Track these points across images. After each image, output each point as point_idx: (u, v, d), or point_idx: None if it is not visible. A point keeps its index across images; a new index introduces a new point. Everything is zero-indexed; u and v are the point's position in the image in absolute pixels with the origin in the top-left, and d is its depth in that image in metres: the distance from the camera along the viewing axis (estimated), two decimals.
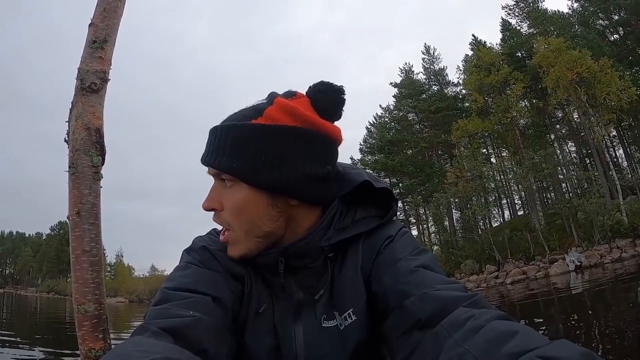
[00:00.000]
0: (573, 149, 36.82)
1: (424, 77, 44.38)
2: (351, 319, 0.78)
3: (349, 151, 42.59)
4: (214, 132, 0.80)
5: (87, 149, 0.93)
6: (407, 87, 43.15)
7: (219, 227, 0.89)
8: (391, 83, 44.89)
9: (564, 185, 34.38)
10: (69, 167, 0.92)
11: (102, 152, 0.96)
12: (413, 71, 44.90)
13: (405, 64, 45.17)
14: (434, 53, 44.68)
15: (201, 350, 0.63)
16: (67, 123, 0.98)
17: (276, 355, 0.79)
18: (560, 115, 34.96)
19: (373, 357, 0.81)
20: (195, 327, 0.65)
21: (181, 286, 0.74)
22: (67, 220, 0.90)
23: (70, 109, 0.98)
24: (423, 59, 44.85)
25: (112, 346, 0.86)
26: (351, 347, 0.78)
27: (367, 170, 0.97)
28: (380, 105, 48.54)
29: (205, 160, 0.81)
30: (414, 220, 42.46)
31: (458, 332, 0.55)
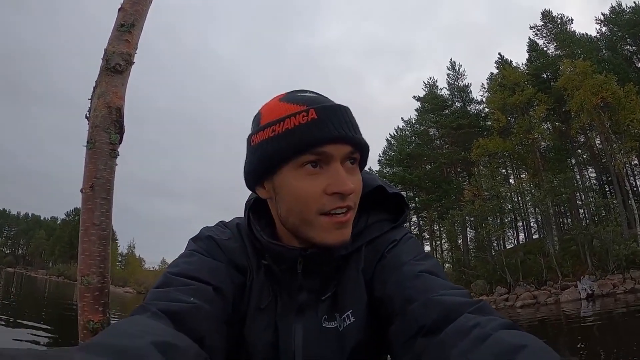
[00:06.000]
0: (593, 175, 36.00)
1: (448, 92, 43.85)
2: (350, 321, 0.78)
3: (367, 164, 42.61)
4: (345, 109, 0.75)
5: (107, 126, 0.95)
6: (430, 102, 42.63)
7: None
8: (414, 96, 44.54)
9: (581, 211, 33.63)
10: (87, 142, 0.93)
11: (120, 131, 0.97)
12: (437, 86, 44.41)
13: (430, 78, 44.87)
14: (459, 69, 44.20)
15: (198, 338, 0.62)
16: (89, 100, 1.00)
17: (273, 351, 0.79)
18: (582, 140, 34.34)
19: (371, 359, 0.81)
20: (194, 314, 0.64)
21: (184, 272, 0.73)
22: (80, 194, 0.91)
23: (94, 88, 1.00)
24: (448, 75, 44.39)
25: (111, 321, 0.86)
26: (349, 349, 0.77)
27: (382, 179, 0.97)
28: (402, 118, 47.98)
29: (351, 135, 0.73)
30: (428, 236, 41.86)
31: (464, 341, 0.53)
